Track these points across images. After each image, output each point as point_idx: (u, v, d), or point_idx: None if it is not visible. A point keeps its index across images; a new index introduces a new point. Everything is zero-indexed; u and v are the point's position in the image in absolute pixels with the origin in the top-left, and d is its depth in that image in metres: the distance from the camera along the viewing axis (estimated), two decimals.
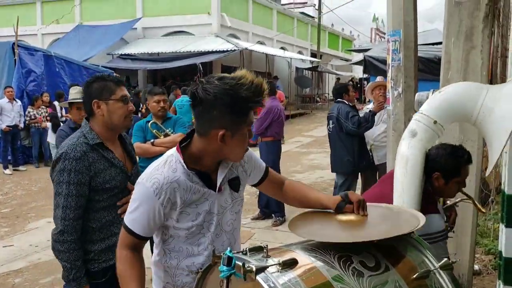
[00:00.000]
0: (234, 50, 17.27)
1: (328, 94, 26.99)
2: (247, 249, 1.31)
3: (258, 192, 6.76)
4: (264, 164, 1.97)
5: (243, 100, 1.55)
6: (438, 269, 1.37)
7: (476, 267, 4.14)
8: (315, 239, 1.45)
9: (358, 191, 5.80)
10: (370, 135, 5.74)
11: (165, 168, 1.67)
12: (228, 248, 1.13)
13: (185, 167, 1.67)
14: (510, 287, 2.83)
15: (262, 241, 4.84)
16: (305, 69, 26.55)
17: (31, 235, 5.99)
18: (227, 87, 1.55)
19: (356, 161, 5.47)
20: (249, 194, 7.00)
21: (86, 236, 2.30)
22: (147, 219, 1.67)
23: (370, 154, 5.76)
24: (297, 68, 26.40)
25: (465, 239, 3.43)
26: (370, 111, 5.48)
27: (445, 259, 1.39)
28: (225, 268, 1.03)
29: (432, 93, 3.77)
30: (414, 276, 1.33)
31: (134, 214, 1.68)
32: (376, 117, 5.54)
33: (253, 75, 1.59)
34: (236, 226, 1.85)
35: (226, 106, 1.55)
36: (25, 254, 5.32)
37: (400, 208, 1.89)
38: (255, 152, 1.98)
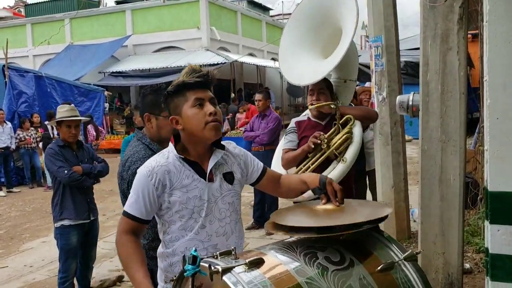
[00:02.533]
0: (225, 62, 17.39)
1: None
2: (218, 253, 1.35)
3: (252, 203, 6.79)
4: (261, 164, 2.10)
5: (177, 85, 1.83)
6: (403, 260, 1.40)
7: (467, 265, 4.16)
8: (281, 223, 1.53)
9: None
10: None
11: (158, 157, 1.90)
12: (193, 248, 1.17)
13: (177, 154, 1.86)
14: (497, 282, 2.85)
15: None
16: None
17: (26, 256, 5.97)
18: (169, 87, 1.86)
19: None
20: (244, 204, 7.01)
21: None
22: (143, 200, 1.82)
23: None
24: None
25: (453, 238, 3.45)
26: None
27: (409, 251, 1.42)
28: (190, 267, 1.06)
29: (413, 95, 3.85)
30: (379, 268, 1.36)
31: (132, 198, 1.85)
32: None
33: (191, 65, 1.86)
34: (233, 218, 1.94)
35: (170, 99, 1.87)
36: (20, 274, 5.30)
37: (374, 202, 1.95)
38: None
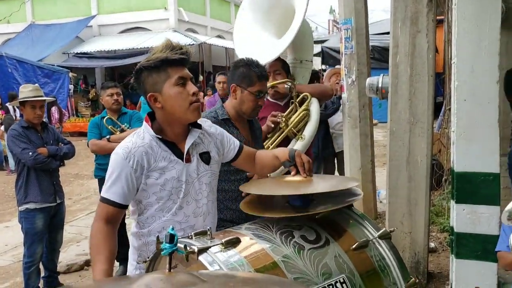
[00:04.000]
0: (193, 44, 17.14)
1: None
2: (192, 233, 1.33)
3: None
4: (238, 142, 2.09)
5: (153, 61, 1.75)
6: (377, 238, 1.42)
7: (432, 244, 4.28)
8: (249, 192, 1.61)
9: None
10: (329, 123, 5.81)
11: (133, 137, 1.83)
12: (170, 226, 1.14)
13: (153, 134, 1.80)
14: (462, 260, 2.94)
15: None
16: None
17: None
18: (142, 62, 1.78)
19: (321, 148, 5.49)
20: None
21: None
22: (121, 184, 1.75)
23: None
24: None
25: (419, 218, 3.54)
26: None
27: (384, 229, 1.44)
28: (167, 245, 1.04)
29: (383, 77, 3.89)
30: (354, 246, 1.37)
31: (109, 182, 1.78)
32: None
33: (167, 40, 1.80)
34: (210, 199, 1.93)
35: (144, 74, 1.78)
36: None
37: (343, 176, 2.01)
38: None
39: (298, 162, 1.78)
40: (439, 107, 7.33)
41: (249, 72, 2.45)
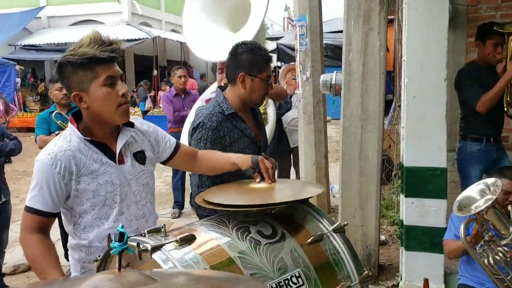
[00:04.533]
0: (146, 38, 16.83)
1: None
2: (146, 231, 1.29)
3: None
4: (174, 140, 1.99)
5: (80, 57, 1.58)
6: (331, 232, 1.44)
7: (382, 237, 4.41)
8: (212, 201, 1.51)
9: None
10: (284, 119, 5.85)
11: (59, 141, 1.68)
12: (120, 225, 1.11)
13: (80, 136, 1.67)
14: (411, 252, 3.05)
15: None
16: None
17: None
18: (65, 53, 1.61)
19: (276, 145, 5.53)
20: (168, 184, 6.90)
21: None
22: (48, 191, 1.63)
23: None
24: None
25: (370, 212, 3.63)
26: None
27: (338, 222, 1.46)
28: (117, 244, 1.00)
29: (336, 74, 3.96)
30: (309, 240, 1.39)
31: (34, 191, 1.65)
32: (293, 100, 5.64)
33: (95, 33, 1.63)
34: (149, 199, 1.84)
35: (68, 71, 1.62)
36: None
37: (307, 181, 1.99)
38: None
39: (262, 169, 1.73)
40: (389, 104, 7.55)
41: (256, 58, 2.28)
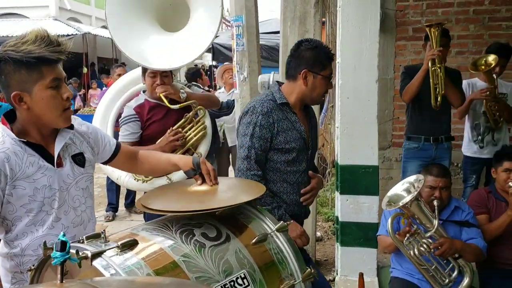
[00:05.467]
0: (75, 34, 16.14)
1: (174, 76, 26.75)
2: (84, 237, 1.24)
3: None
4: (114, 140, 1.93)
5: (25, 55, 1.48)
6: (275, 231, 1.46)
7: (318, 234, 4.53)
8: (150, 206, 1.47)
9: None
10: (224, 117, 5.82)
11: None
12: (62, 232, 1.05)
13: (15, 138, 1.58)
14: (346, 247, 3.15)
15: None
16: None
17: None
18: (5, 48, 1.51)
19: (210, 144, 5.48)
20: (101, 186, 6.65)
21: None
22: None
23: (222, 136, 5.85)
24: None
25: None
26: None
27: (281, 222, 1.49)
28: (58, 254, 0.95)
29: (273, 74, 4.00)
30: (253, 240, 1.40)
31: None
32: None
33: (42, 31, 1.54)
34: (89, 204, 1.77)
35: (8, 67, 1.51)
36: None
37: (248, 181, 1.99)
38: None
39: (204, 170, 1.70)
40: (322, 104, 7.78)
41: (320, 55, 2.27)
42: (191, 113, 3.00)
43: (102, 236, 1.23)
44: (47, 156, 1.63)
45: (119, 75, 5.67)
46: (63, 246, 0.96)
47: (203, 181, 1.69)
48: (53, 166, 1.63)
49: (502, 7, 4.39)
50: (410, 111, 3.75)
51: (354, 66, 2.96)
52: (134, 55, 2.86)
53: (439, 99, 3.48)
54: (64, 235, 1.02)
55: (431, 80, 3.46)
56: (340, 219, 3.14)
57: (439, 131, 3.66)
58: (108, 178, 5.52)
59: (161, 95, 2.86)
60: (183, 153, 2.93)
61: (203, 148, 3.10)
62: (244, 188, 1.74)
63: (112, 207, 5.58)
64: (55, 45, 1.54)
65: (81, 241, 1.24)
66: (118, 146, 1.92)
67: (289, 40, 3.58)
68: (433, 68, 3.43)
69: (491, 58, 3.67)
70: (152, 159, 1.97)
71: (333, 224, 4.71)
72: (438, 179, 2.73)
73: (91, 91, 13.93)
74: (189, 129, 2.98)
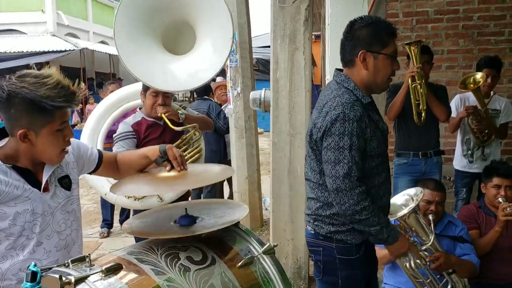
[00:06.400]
0: (73, 50, 16.24)
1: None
2: (69, 260, 1.26)
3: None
4: (95, 151, 1.93)
5: (42, 99, 1.51)
6: (262, 254, 1.48)
7: None
8: (118, 193, 1.59)
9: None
10: None
11: None
12: (32, 263, 1.06)
13: (0, 163, 1.58)
14: None
15: (111, 249, 4.65)
16: None
17: None
18: (24, 85, 1.51)
19: (222, 156, 5.47)
20: (96, 202, 6.67)
21: None
22: None
23: None
24: None
25: (301, 225, 3.71)
26: None
27: (268, 244, 1.50)
28: (29, 284, 0.95)
29: (265, 91, 4.06)
30: (239, 264, 1.41)
31: None
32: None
33: (62, 76, 1.58)
34: (74, 227, 1.76)
35: (22, 104, 1.51)
36: None
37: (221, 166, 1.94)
38: None
39: (171, 156, 1.72)
40: None
41: (378, 31, 1.95)
42: (188, 135, 3.05)
43: (87, 260, 1.25)
44: (33, 181, 1.63)
45: (112, 92, 5.72)
46: (34, 276, 0.97)
47: (172, 167, 1.72)
48: (39, 190, 1.63)
49: (491, 22, 4.46)
50: (397, 127, 3.79)
51: None
52: (138, 73, 2.86)
53: (423, 115, 3.51)
54: (35, 265, 1.02)
55: (412, 97, 3.49)
56: None
57: (428, 146, 3.69)
58: None
59: (163, 115, 2.89)
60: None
61: None
62: (213, 170, 1.77)
63: (107, 223, 5.58)
64: (71, 93, 1.57)
65: (66, 264, 1.25)
66: (101, 156, 1.93)
67: (279, 58, 3.62)
68: (413, 85, 3.46)
69: (479, 76, 3.72)
70: (127, 159, 1.96)
71: None
72: (435, 193, 2.75)
73: (88, 106, 13.96)
74: (185, 150, 3.02)
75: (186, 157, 2.97)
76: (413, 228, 2.53)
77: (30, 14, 18.09)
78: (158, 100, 2.94)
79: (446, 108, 3.66)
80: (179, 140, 3.02)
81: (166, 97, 2.98)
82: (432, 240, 2.52)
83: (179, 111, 3.02)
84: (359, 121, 1.90)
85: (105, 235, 5.47)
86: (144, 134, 2.98)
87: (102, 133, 3.43)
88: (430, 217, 2.63)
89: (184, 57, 3.00)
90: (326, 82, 3.06)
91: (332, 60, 3.02)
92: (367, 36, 1.95)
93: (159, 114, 2.92)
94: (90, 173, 1.94)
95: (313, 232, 2.15)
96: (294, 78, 3.61)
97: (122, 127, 3.00)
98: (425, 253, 2.55)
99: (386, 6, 4.59)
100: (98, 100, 13.76)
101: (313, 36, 8.49)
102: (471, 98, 3.89)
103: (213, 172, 1.76)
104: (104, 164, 1.93)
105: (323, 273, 2.14)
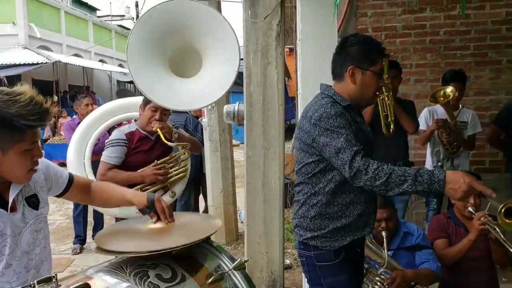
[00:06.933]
0: (46, 63, 16.01)
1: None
2: (35, 281, 1.24)
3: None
4: (66, 173, 1.89)
5: (14, 117, 1.46)
6: (232, 270, 1.48)
7: (287, 261, 4.55)
8: (104, 247, 1.48)
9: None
10: None
11: None
12: None
13: None
14: None
15: (84, 266, 4.57)
16: (127, 82, 26.00)
17: None
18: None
19: (198, 170, 5.45)
20: (69, 217, 6.55)
21: (326, 209, 2.08)
22: None
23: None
24: (118, 81, 25.69)
25: (275, 238, 3.74)
26: None
27: (238, 260, 1.51)
28: None
29: (238, 105, 4.08)
30: (209, 280, 1.42)
31: None
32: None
33: (35, 93, 1.53)
34: (43, 245, 1.72)
35: None
36: None
37: (206, 216, 2.01)
38: None
39: (158, 208, 1.70)
40: (293, 129, 7.89)
41: (368, 49, 2.07)
42: (177, 153, 3.17)
43: (54, 280, 1.23)
44: (0, 201, 1.59)
45: (87, 105, 5.68)
46: None
47: (159, 219, 1.70)
48: (6, 211, 1.59)
49: (456, 37, 4.61)
50: None
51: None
52: (143, 86, 2.98)
53: (391, 127, 3.59)
54: None
55: (380, 109, 3.57)
56: None
57: (396, 157, 3.75)
58: (75, 210, 5.44)
59: (158, 129, 2.99)
60: (161, 188, 3.07)
61: (179, 188, 3.24)
62: (200, 224, 1.76)
63: (80, 239, 5.48)
64: (44, 112, 1.53)
65: (32, 285, 1.23)
66: (71, 179, 1.88)
67: (252, 72, 3.66)
68: (381, 97, 3.54)
69: (449, 90, 3.83)
70: (105, 193, 1.94)
71: None
72: (381, 210, 2.71)
73: (61, 120, 13.76)
74: (172, 167, 3.13)
75: (171, 174, 3.10)
76: (365, 254, 2.52)
77: (0, 26, 17.77)
78: (156, 115, 3.06)
79: (414, 121, 3.76)
80: (168, 157, 3.13)
81: (164, 114, 3.10)
82: (386, 260, 2.52)
83: (173, 130, 3.16)
84: (342, 115, 1.99)
85: (77, 251, 5.37)
86: (135, 144, 3.07)
87: (89, 148, 3.54)
88: (383, 233, 2.63)
89: (188, 80, 3.17)
90: (299, 96, 3.10)
91: (304, 74, 3.07)
92: (358, 53, 2.08)
93: (154, 128, 3.02)
94: (57, 196, 1.89)
95: (297, 242, 2.22)
96: (267, 92, 3.65)
97: (116, 134, 3.09)
98: (383, 275, 2.54)
99: (356, 22, 4.70)
100: (71, 113, 13.59)
101: (287, 49, 8.62)
102: (439, 111, 4.00)
103: (199, 226, 1.75)
104: (73, 190, 1.89)
105: (311, 284, 2.19)
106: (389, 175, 1.85)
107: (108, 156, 3.02)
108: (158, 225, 1.67)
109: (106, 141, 3.12)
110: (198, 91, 3.13)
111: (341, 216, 2.09)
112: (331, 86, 2.20)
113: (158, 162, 3.05)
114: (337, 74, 2.17)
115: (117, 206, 1.87)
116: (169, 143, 3.01)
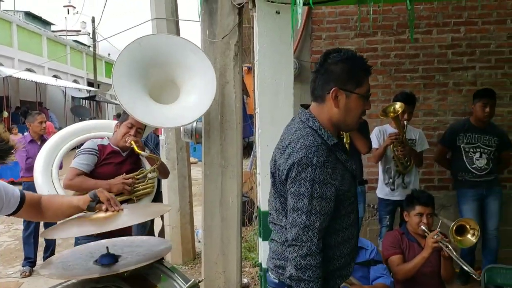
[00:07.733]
0: None
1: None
2: None
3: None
4: (17, 191, 1.84)
5: None
6: None
7: (245, 280, 4.54)
8: (54, 237, 1.44)
9: None
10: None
11: None
12: None
13: None
14: None
15: None
16: (82, 98, 25.44)
17: None
18: None
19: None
20: (18, 239, 6.29)
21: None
22: None
23: None
24: (73, 98, 25.10)
25: (232, 257, 3.74)
26: None
27: (192, 280, 1.51)
28: None
29: (196, 123, 4.08)
30: None
31: None
32: None
33: (2, 130, 1.55)
34: None
35: None
36: None
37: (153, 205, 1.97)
38: None
39: (103, 198, 1.73)
40: (252, 147, 7.95)
41: (353, 68, 1.81)
42: (149, 169, 3.31)
43: None
44: None
45: (41, 123, 5.54)
46: None
47: (108, 209, 1.73)
48: None
49: (406, 60, 4.82)
50: None
51: (272, 116, 3.10)
52: (124, 101, 3.12)
53: (346, 147, 3.70)
54: None
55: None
56: (263, 266, 3.18)
57: None
58: (25, 230, 5.24)
59: (132, 142, 3.13)
60: (125, 200, 3.11)
61: (144, 203, 3.26)
62: (147, 210, 1.77)
63: (30, 261, 5.25)
64: (8, 151, 1.55)
65: None
66: (22, 198, 1.84)
67: None
68: None
69: (398, 106, 4.00)
70: (54, 205, 1.91)
71: (259, 270, 4.75)
72: None
73: (12, 137, 13.24)
74: (140, 182, 3.24)
75: (138, 188, 3.21)
76: None
77: None
78: (131, 131, 3.20)
79: (368, 141, 3.88)
80: (138, 172, 3.26)
81: (138, 132, 3.25)
82: None
83: (145, 147, 3.32)
84: (323, 166, 1.74)
85: (27, 274, 5.14)
86: (105, 156, 3.16)
87: (56, 166, 3.57)
88: None
89: (165, 106, 3.36)
90: (257, 116, 3.15)
91: (261, 95, 3.11)
92: (342, 73, 1.81)
93: (127, 142, 3.15)
94: (9, 215, 1.85)
95: (277, 281, 1.93)
96: (225, 111, 3.68)
97: (88, 143, 3.19)
98: None
99: (311, 44, 4.83)
100: (22, 130, 13.13)
101: (246, 68, 8.71)
102: (388, 130, 4.17)
103: (149, 209, 1.76)
104: (26, 208, 1.85)
105: None
106: (309, 281, 1.71)
107: (78, 162, 3.06)
108: (105, 214, 1.69)
109: (78, 150, 3.20)
110: (172, 115, 3.35)
111: (333, 258, 1.87)
112: (309, 110, 1.92)
113: (127, 175, 3.14)
114: (317, 95, 1.88)
115: (66, 217, 1.83)
116: (141, 153, 3.16)
